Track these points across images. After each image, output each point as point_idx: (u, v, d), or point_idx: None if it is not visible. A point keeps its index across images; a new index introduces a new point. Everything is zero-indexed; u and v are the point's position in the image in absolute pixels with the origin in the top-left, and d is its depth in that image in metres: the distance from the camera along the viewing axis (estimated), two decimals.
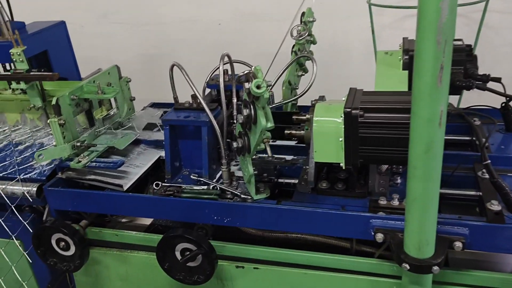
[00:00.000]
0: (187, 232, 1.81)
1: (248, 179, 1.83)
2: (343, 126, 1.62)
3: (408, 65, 2.05)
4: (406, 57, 2.06)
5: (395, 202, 1.74)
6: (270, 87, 1.46)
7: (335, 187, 1.89)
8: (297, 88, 2.53)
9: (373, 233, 1.66)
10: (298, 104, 2.46)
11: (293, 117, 2.12)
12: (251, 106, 1.53)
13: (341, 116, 1.62)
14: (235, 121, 2.13)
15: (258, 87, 1.42)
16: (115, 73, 2.51)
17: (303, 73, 2.58)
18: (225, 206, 1.84)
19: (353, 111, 1.58)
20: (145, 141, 2.41)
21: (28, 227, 2.18)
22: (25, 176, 2.17)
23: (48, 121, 2.13)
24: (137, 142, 2.40)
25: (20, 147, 2.40)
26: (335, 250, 1.86)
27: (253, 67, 1.48)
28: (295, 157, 2.23)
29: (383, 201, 1.76)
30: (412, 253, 1.49)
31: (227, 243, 1.94)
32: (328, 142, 1.67)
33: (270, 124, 1.52)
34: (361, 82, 3.33)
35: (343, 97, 1.72)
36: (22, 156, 2.32)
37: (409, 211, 1.44)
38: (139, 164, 2.25)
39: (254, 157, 1.94)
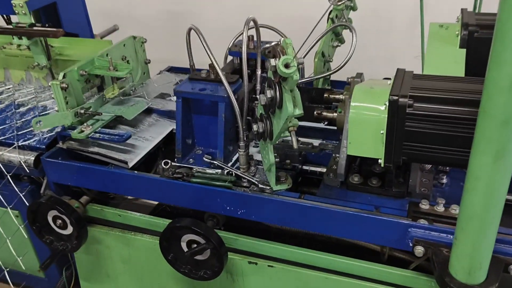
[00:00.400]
0: (194, 223, 1.59)
1: (268, 167, 1.58)
2: (386, 116, 1.33)
3: (467, 43, 1.73)
4: (465, 32, 1.73)
5: (440, 208, 1.47)
6: (302, 65, 1.18)
7: (368, 182, 1.62)
8: (331, 61, 2.23)
9: (411, 244, 1.40)
10: (331, 78, 2.17)
11: (325, 95, 1.85)
12: (277, 88, 1.26)
13: (385, 104, 1.33)
14: (258, 96, 1.87)
15: (286, 66, 1.15)
16: (131, 45, 2.25)
17: (339, 44, 2.27)
18: (239, 197, 1.61)
19: (400, 100, 1.29)
20: (158, 111, 2.17)
21: (25, 199, 2.01)
22: (23, 143, 1.97)
23: (50, 83, 1.90)
24: (148, 112, 2.17)
25: (22, 109, 2.19)
26: (363, 253, 1.62)
27: (282, 39, 1.19)
28: (324, 141, 1.97)
29: (425, 205, 1.49)
30: (460, 277, 1.23)
31: (239, 236, 1.72)
32: (366, 134, 1.40)
33: (299, 111, 1.25)
34: (403, 56, 2.99)
35: (389, 81, 1.43)
36: (23, 120, 2.12)
37: (462, 229, 1.17)
38: (149, 137, 2.02)
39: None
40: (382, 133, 1.35)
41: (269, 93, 1.29)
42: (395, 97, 1.29)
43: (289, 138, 1.39)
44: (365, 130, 1.39)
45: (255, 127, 1.52)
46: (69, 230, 1.83)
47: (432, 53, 1.77)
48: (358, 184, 1.62)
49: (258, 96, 1.85)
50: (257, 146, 1.90)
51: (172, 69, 2.63)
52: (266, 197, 1.57)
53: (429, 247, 1.36)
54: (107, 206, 1.92)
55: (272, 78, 1.27)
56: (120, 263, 2.01)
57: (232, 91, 1.66)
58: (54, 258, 1.84)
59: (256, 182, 1.65)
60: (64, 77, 1.86)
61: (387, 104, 1.32)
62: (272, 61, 1.20)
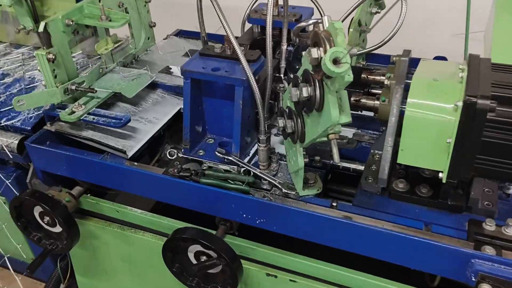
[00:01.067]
0: (202, 235, 1.32)
1: (295, 170, 1.29)
2: (456, 120, 1.02)
3: None
4: None
5: (510, 231, 1.18)
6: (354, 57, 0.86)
7: (416, 190, 1.33)
8: (369, 31, 1.88)
9: (474, 279, 1.12)
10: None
11: (363, 75, 1.53)
12: (318, 86, 0.94)
13: (455, 105, 1.02)
14: (282, 75, 1.55)
15: (336, 61, 0.82)
16: None
17: (379, 10, 1.91)
18: (258, 205, 1.32)
19: (479, 102, 0.97)
20: (163, 86, 1.87)
21: (11, 186, 1.75)
22: (7, 123, 1.69)
23: (35, 53, 1.60)
24: (153, 86, 1.86)
25: (7, 80, 1.89)
26: (407, 272, 1.35)
27: (325, 18, 0.86)
28: (359, 131, 1.66)
29: (490, 226, 1.20)
30: None
31: (257, 245, 1.45)
32: (425, 140, 1.09)
33: (346, 119, 0.95)
34: (443, 20, 2.61)
35: (460, 72, 1.10)
36: (8, 93, 1.83)
37: None
38: (153, 118, 1.73)
39: None
40: (449, 142, 1.04)
41: (305, 91, 0.97)
42: (473, 99, 0.97)
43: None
44: (425, 136, 1.08)
45: (281, 122, 1.22)
46: (59, 228, 1.57)
47: (501, 28, 1.42)
48: (403, 193, 1.33)
49: (282, 74, 1.55)
50: (280, 135, 1.60)
51: (181, 33, 2.29)
52: (291, 208, 1.28)
53: (500, 287, 1.08)
54: (103, 200, 1.66)
55: (312, 72, 0.95)
56: (119, 261, 1.77)
57: (253, 70, 1.35)
58: (43, 259, 1.60)
59: (279, 186, 1.36)
60: (45, 28, 1.55)
61: (460, 105, 1.00)
62: (314, 52, 0.87)
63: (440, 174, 1.11)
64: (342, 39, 0.83)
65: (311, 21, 0.97)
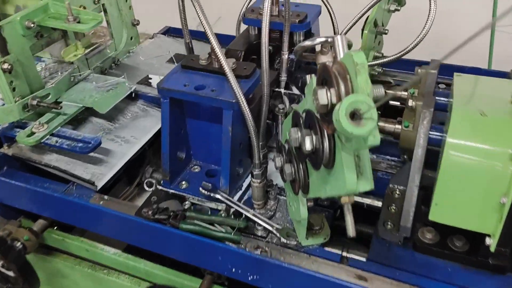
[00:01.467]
0: None
1: (297, 220, 1.02)
2: None
3: None
4: None
5: None
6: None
7: (449, 243, 1.06)
8: (386, 32, 1.60)
9: None
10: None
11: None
12: (325, 139, 0.67)
13: None
14: (282, 89, 1.29)
15: (355, 116, 0.53)
16: None
17: (398, 8, 1.63)
18: (251, 260, 1.06)
19: None
20: (145, 97, 1.60)
21: None
22: None
23: None
24: (132, 97, 1.60)
25: None
26: None
27: (340, 40, 0.58)
28: (374, 156, 1.39)
29: None
30: None
31: None
32: (470, 195, 0.82)
33: (366, 186, 0.67)
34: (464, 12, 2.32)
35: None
36: None
37: None
38: (130, 137, 1.47)
39: None
40: (504, 202, 0.77)
41: (309, 141, 0.69)
42: None
43: None
44: (470, 189, 0.81)
45: (278, 161, 0.95)
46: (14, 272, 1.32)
47: None
48: (432, 245, 1.06)
49: (282, 89, 1.29)
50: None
51: (169, 31, 2.02)
52: (291, 268, 1.02)
53: None
54: (70, 236, 1.40)
55: (318, 117, 0.67)
56: None
57: (245, 90, 1.08)
58: None
59: (277, 233, 1.10)
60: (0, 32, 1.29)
61: None
62: (323, 96, 0.57)
63: (488, 240, 0.84)
64: (365, 79, 0.54)
65: (318, 40, 0.70)
